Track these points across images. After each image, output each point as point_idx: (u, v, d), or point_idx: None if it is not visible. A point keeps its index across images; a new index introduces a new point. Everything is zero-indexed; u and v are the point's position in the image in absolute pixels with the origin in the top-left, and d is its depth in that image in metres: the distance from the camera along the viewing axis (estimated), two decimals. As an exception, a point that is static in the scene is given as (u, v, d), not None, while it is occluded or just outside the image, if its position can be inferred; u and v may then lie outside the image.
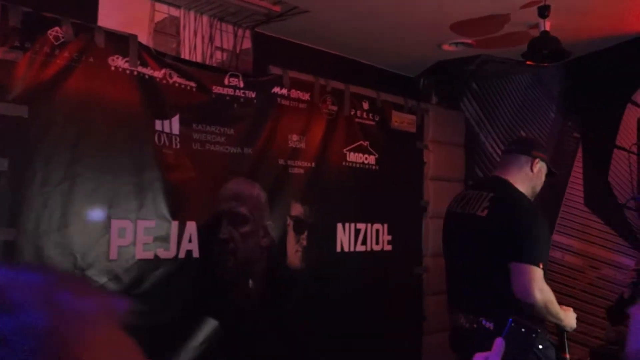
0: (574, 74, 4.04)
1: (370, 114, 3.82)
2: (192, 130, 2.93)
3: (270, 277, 3.23)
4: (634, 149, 3.41)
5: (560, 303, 2.39)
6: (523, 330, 1.20)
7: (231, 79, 3.08)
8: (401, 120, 4.02)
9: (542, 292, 2.22)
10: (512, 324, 1.20)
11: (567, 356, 2.45)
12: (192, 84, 2.94)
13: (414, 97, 4.25)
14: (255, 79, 3.21)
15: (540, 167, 2.48)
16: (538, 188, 2.52)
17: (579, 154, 4.09)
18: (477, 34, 3.50)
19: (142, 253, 2.72)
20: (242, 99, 3.12)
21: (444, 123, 4.38)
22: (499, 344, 1.11)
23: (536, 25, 3.00)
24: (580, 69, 3.96)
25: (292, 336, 3.31)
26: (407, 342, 4.06)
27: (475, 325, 2.37)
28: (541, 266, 2.25)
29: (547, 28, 2.91)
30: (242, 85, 3.12)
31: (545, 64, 3.18)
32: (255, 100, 3.17)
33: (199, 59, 3.16)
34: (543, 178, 2.51)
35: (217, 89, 3.02)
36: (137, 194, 2.72)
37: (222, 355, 2.98)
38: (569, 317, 2.41)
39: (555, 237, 4.21)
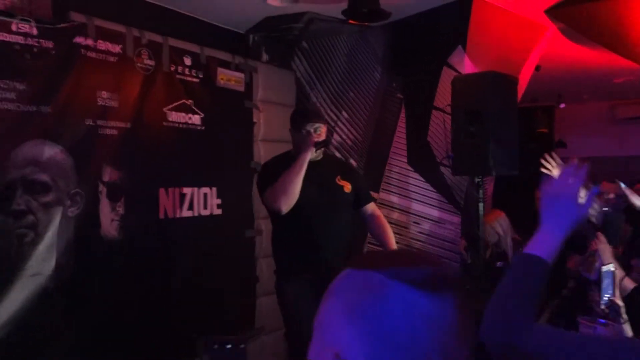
0: (397, 36, 4.14)
1: (194, 71, 3.58)
2: (-29, 84, 2.47)
3: (81, 250, 2.91)
4: (448, 109, 3.58)
5: None
6: None
7: (21, 25, 2.64)
8: (228, 78, 3.83)
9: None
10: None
11: None
12: (-32, 29, 2.47)
13: (244, 54, 4.06)
14: (52, 27, 2.79)
15: (293, 134, 3.01)
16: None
17: (402, 115, 4.23)
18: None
19: None
20: (35, 49, 2.70)
21: (274, 82, 4.27)
22: None
23: (358, -17, 2.97)
24: (402, 31, 4.06)
25: (116, 309, 3.05)
26: (241, 305, 3.99)
27: None
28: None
29: (367, -14, 2.89)
30: (35, 32, 2.70)
31: (366, 23, 3.18)
32: (53, 51, 2.77)
33: (-20, 0, 2.67)
34: (303, 140, 2.93)
35: (2, 36, 2.58)
36: None
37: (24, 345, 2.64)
38: None
39: (382, 195, 4.37)
